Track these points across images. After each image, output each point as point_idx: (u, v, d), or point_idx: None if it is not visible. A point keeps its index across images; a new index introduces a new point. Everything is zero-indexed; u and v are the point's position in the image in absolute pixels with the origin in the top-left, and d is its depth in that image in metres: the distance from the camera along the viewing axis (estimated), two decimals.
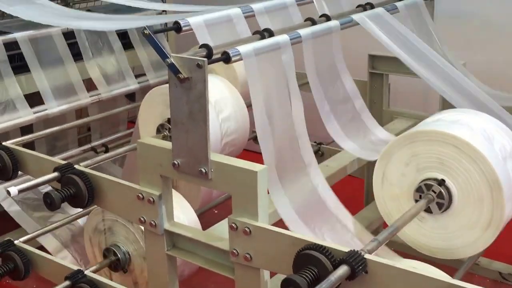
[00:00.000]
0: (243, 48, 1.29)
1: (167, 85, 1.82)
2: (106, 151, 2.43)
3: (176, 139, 1.28)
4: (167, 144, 1.32)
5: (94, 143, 2.42)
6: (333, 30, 1.52)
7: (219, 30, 1.41)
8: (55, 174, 1.49)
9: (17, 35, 2.14)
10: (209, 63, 1.20)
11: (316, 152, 2.38)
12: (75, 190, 1.44)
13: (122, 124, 2.63)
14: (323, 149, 2.39)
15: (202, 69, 1.18)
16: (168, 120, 1.77)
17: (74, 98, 2.25)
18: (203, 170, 1.25)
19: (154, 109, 1.82)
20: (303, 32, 1.44)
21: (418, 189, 1.42)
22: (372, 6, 1.75)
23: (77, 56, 2.31)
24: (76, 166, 1.51)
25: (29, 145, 2.31)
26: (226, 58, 1.27)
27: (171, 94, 1.26)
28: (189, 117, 1.24)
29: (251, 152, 1.90)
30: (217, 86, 1.82)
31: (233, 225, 1.23)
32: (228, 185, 1.23)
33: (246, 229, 1.21)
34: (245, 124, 1.84)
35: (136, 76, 2.51)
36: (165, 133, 1.78)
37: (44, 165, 1.58)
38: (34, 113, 2.12)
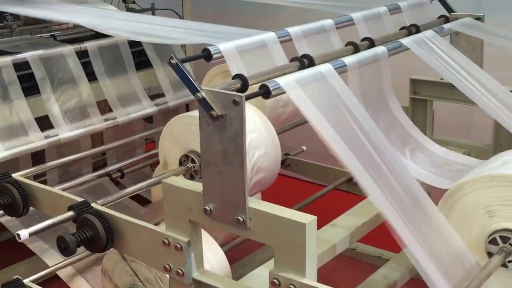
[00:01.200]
0: (283, 80, 1.15)
1: (188, 114, 1.73)
2: (122, 176, 2.31)
3: (208, 182, 1.14)
4: (197, 187, 1.19)
5: (109, 168, 2.30)
6: (380, 57, 1.38)
7: (253, 57, 1.27)
8: (70, 213, 1.35)
9: (28, 55, 2.02)
10: (246, 99, 1.07)
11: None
12: (92, 233, 1.31)
13: (139, 147, 2.49)
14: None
15: (239, 106, 1.05)
16: (192, 151, 1.65)
17: (87, 122, 2.13)
18: (241, 219, 1.11)
19: (176, 139, 1.68)
20: (348, 60, 1.30)
21: (492, 241, 1.28)
22: (417, 28, 1.61)
23: (90, 76, 2.20)
24: (93, 205, 1.38)
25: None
26: (265, 92, 1.13)
27: (202, 132, 1.12)
28: (223, 158, 1.10)
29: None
30: (251, 119, 1.69)
31: (275, 281, 1.08)
32: (270, 237, 1.09)
33: (291, 286, 1.06)
34: (277, 159, 1.70)
35: (153, 97, 2.39)
36: (189, 165, 1.64)
37: (58, 201, 1.45)
38: (45, 138, 2.00)
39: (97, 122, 2.15)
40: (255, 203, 1.11)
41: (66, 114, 2.09)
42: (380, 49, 1.41)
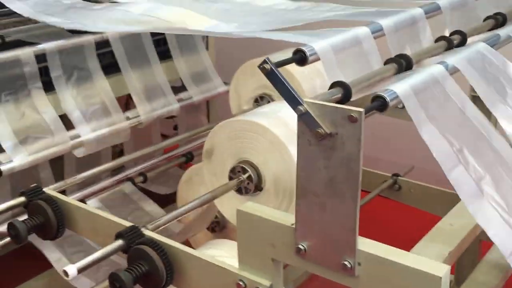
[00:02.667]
0: (399, 88, 0.93)
1: (242, 118, 1.51)
2: (145, 180, 2.09)
3: (304, 215, 0.92)
4: (286, 218, 0.97)
5: (130, 171, 2.07)
6: (485, 53, 1.17)
7: (347, 57, 1.05)
8: (120, 242, 1.13)
9: (47, 46, 1.78)
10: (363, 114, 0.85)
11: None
12: (149, 268, 1.09)
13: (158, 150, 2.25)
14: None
15: (357, 124, 0.83)
16: (245, 162, 1.43)
17: (109, 120, 1.89)
18: (348, 264, 0.89)
19: (224, 147, 1.46)
20: (456, 60, 1.08)
21: None
22: (504, 18, 1.40)
23: (107, 69, 1.96)
24: (145, 231, 1.16)
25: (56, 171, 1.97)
26: (382, 105, 0.91)
27: (300, 152, 0.90)
28: (329, 187, 0.88)
29: None
30: None
31: None
32: None
33: None
34: None
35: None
36: (241, 177, 1.42)
37: (101, 225, 1.23)
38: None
39: (119, 121, 1.91)
40: (367, 245, 0.89)
41: (86, 112, 1.86)
42: (481, 46, 1.20)
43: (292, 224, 0.95)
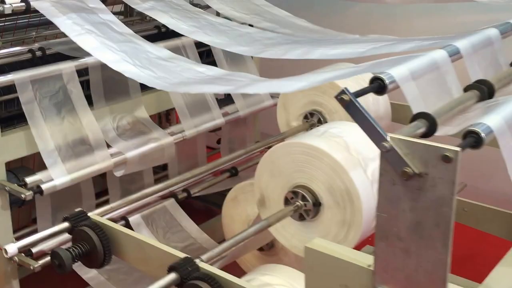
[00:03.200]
0: (492, 121, 0.84)
1: (295, 140, 1.42)
2: (188, 197, 2.02)
3: (385, 259, 0.84)
4: (360, 258, 0.89)
5: (173, 188, 2.00)
6: None
7: (427, 83, 0.96)
8: (173, 276, 1.05)
9: (89, 60, 1.71)
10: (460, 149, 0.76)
11: None
12: None
13: (202, 164, 2.18)
14: None
15: (452, 164, 0.74)
16: (300, 187, 1.35)
17: (149, 137, 1.82)
18: None
19: (278, 171, 1.39)
20: None
21: None
22: None
23: None
24: (200, 264, 1.08)
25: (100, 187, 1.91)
26: (476, 141, 0.82)
27: (382, 192, 0.82)
28: (414, 231, 0.79)
29: None
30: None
31: None
32: None
33: None
34: None
35: None
36: (298, 203, 1.34)
37: (151, 254, 1.16)
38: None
39: (162, 137, 1.84)
40: None
41: (125, 127, 1.80)
42: None
43: (369, 266, 0.87)
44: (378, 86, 0.90)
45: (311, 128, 1.91)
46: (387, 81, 0.90)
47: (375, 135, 0.79)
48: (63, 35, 1.86)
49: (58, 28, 1.55)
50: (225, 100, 2.14)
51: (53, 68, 1.63)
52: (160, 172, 2.23)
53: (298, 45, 1.48)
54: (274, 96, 2.20)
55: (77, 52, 1.76)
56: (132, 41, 1.57)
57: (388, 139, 0.78)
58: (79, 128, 1.66)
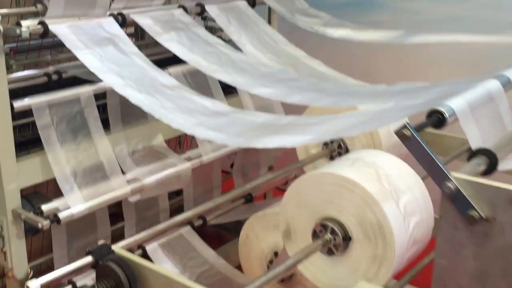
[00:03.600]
0: None
1: (325, 171, 1.35)
2: (204, 224, 1.95)
3: None
4: None
5: (188, 214, 1.93)
6: None
7: (483, 115, 0.90)
8: None
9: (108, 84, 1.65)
10: None
11: None
12: None
13: (216, 188, 2.12)
14: None
15: None
16: (329, 219, 1.29)
17: (166, 162, 1.76)
18: None
19: (305, 203, 1.33)
20: None
21: None
22: None
23: None
24: None
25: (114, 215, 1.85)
26: None
27: (443, 236, 0.76)
28: (478, 281, 0.74)
29: None
30: (400, 173, 1.34)
31: None
32: None
33: None
34: (431, 226, 1.36)
35: None
36: (327, 237, 1.28)
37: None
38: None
39: (179, 162, 1.78)
40: None
41: (140, 152, 1.74)
42: None
43: None
44: (437, 120, 0.84)
45: (332, 155, 1.86)
46: (447, 115, 0.84)
47: (438, 175, 0.73)
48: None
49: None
50: None
51: (71, 92, 1.58)
52: (175, 197, 2.17)
53: (324, 95, 1.43)
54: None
55: (93, 76, 1.71)
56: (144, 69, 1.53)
57: (453, 179, 0.72)
58: (95, 153, 1.60)
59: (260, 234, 1.68)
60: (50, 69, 1.77)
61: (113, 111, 1.69)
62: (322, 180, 1.32)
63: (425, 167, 0.76)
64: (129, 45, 1.58)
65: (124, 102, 1.70)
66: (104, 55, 1.52)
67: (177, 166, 1.75)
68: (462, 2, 2.41)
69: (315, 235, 1.30)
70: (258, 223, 1.69)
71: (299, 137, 1.14)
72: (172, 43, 1.65)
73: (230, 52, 1.72)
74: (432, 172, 0.75)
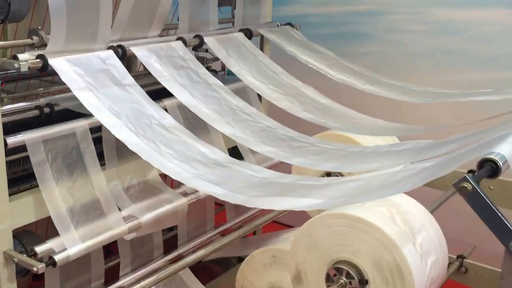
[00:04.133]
0: None
1: (336, 212, 1.28)
2: (199, 262, 1.87)
3: None
4: None
5: (182, 249, 1.86)
6: None
7: None
8: None
9: None
10: None
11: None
12: None
13: (209, 222, 2.04)
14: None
15: None
16: (342, 262, 1.24)
17: (161, 197, 1.68)
18: None
19: (316, 246, 1.27)
20: None
21: None
22: None
23: None
24: None
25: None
26: None
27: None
28: None
29: None
30: (414, 213, 1.30)
31: None
32: None
33: None
34: (445, 265, 1.32)
35: None
36: (343, 280, 1.22)
37: None
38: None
39: (175, 198, 1.70)
40: None
41: (135, 187, 1.66)
42: None
43: None
44: (491, 169, 0.79)
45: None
46: (500, 163, 0.79)
47: (502, 231, 0.68)
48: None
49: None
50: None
51: (67, 126, 1.49)
52: (168, 232, 2.08)
53: (326, 157, 1.41)
54: None
55: (85, 109, 1.63)
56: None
57: None
58: (91, 190, 1.51)
59: (253, 279, 1.64)
60: (41, 101, 1.68)
61: (108, 145, 1.61)
62: (334, 221, 1.27)
63: (487, 222, 0.71)
64: (127, 77, 1.51)
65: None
66: (101, 90, 1.45)
67: (174, 202, 1.67)
68: (451, 35, 2.41)
69: (328, 279, 1.24)
70: (248, 269, 1.65)
71: (309, 200, 1.12)
72: (172, 84, 1.59)
73: (230, 98, 1.67)
74: (496, 229, 0.69)
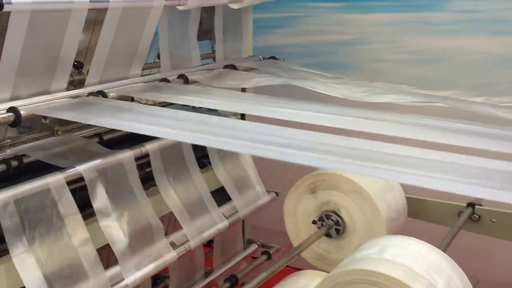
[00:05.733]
0: None
1: (350, 269, 1.12)
2: None
3: None
4: None
5: None
6: None
7: None
8: None
9: (82, 169, 1.35)
10: None
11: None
12: None
13: (200, 269, 1.84)
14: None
15: None
16: None
17: (152, 249, 1.47)
18: None
19: None
20: None
21: None
22: None
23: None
24: None
25: None
26: None
27: None
28: None
29: None
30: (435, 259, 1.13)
31: None
32: None
33: None
34: None
35: None
36: None
37: None
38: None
39: (164, 250, 1.49)
40: None
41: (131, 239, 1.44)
42: None
43: None
44: None
45: (329, 233, 1.64)
46: None
47: None
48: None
49: None
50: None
51: (39, 183, 1.27)
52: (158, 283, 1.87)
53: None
54: (270, 191, 1.93)
55: (60, 160, 1.42)
56: None
57: None
58: (72, 251, 1.29)
59: None
60: (7, 153, 1.45)
61: (98, 196, 1.39)
62: (352, 279, 1.09)
63: None
64: None
65: (106, 184, 1.41)
66: None
67: (163, 257, 1.46)
68: (431, 63, 2.29)
69: None
70: None
71: None
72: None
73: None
74: None
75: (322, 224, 1.62)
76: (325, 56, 2.47)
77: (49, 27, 1.12)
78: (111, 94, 1.29)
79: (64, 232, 1.29)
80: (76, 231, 1.31)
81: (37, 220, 1.24)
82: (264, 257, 2.00)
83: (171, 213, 1.60)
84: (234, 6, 1.67)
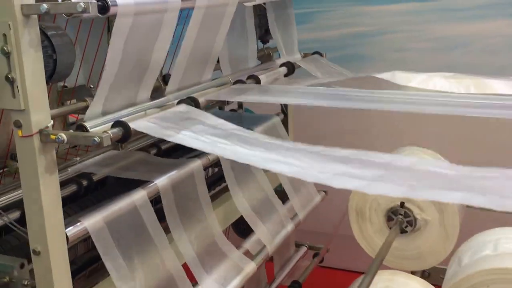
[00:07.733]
0: None
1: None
2: None
3: None
4: None
5: None
6: None
7: None
8: None
9: (160, 182, 1.21)
10: None
11: None
12: None
13: (263, 279, 1.71)
14: None
15: None
16: None
17: (229, 263, 1.34)
18: None
19: None
20: None
21: None
22: None
23: None
24: None
25: None
26: None
27: None
28: None
29: None
30: None
31: None
32: None
33: None
34: None
35: None
36: None
37: None
38: None
39: (241, 262, 1.37)
40: None
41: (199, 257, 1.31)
42: None
43: None
44: None
45: (402, 227, 1.55)
46: None
47: None
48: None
49: None
50: None
51: (126, 201, 1.12)
52: None
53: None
54: (319, 189, 1.81)
55: (127, 173, 1.28)
56: None
57: None
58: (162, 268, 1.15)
59: None
60: (69, 171, 1.28)
61: (170, 210, 1.25)
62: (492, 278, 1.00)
63: None
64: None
65: (180, 198, 1.27)
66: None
67: (244, 270, 1.34)
68: (454, 50, 2.23)
69: None
70: None
71: None
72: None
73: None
74: None
75: (396, 221, 1.53)
76: (345, 49, 2.38)
77: (145, 31, 0.98)
78: (201, 100, 1.15)
79: (152, 247, 1.15)
80: (165, 249, 1.17)
81: (128, 239, 1.09)
82: (317, 259, 1.89)
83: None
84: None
